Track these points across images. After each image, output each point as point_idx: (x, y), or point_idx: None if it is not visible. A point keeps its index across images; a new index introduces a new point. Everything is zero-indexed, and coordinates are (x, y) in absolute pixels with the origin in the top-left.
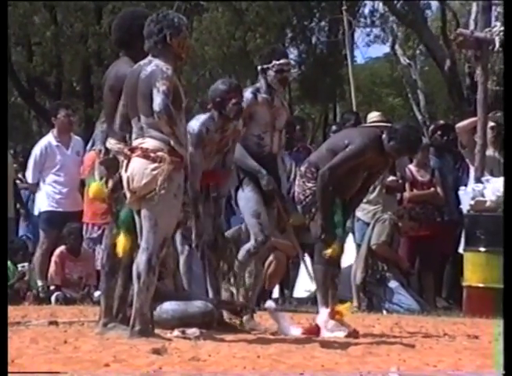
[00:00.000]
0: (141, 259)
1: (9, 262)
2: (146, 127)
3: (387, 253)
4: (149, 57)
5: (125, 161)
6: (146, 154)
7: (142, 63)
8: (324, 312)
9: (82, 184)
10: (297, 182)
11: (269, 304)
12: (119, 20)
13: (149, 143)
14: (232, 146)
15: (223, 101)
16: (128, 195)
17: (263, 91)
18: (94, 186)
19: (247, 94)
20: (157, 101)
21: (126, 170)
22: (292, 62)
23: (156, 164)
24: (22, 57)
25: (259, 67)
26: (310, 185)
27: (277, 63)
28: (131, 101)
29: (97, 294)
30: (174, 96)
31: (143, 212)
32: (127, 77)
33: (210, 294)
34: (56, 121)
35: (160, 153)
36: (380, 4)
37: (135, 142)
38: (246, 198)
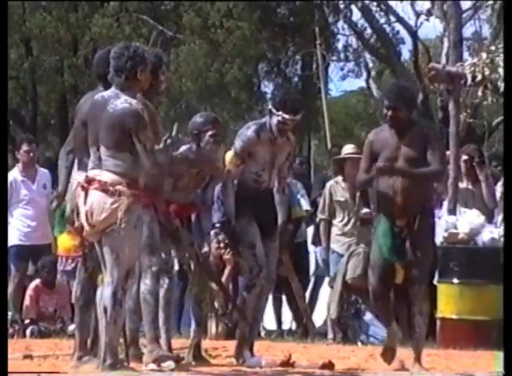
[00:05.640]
0: (106, 293)
1: None
2: (104, 158)
3: (364, 286)
4: (114, 90)
5: (82, 193)
6: (104, 188)
7: (106, 95)
8: None
9: None
10: None
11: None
12: (105, 54)
13: (107, 176)
14: (212, 183)
15: (200, 133)
16: (87, 228)
17: (267, 129)
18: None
19: (250, 133)
20: (148, 162)
21: (85, 203)
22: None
23: (115, 198)
24: None
25: (269, 106)
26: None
27: (284, 116)
28: (91, 130)
29: (71, 327)
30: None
31: (105, 246)
32: (88, 107)
33: (193, 325)
34: (19, 155)
35: (118, 187)
36: (354, 39)
37: (91, 173)
38: (242, 230)
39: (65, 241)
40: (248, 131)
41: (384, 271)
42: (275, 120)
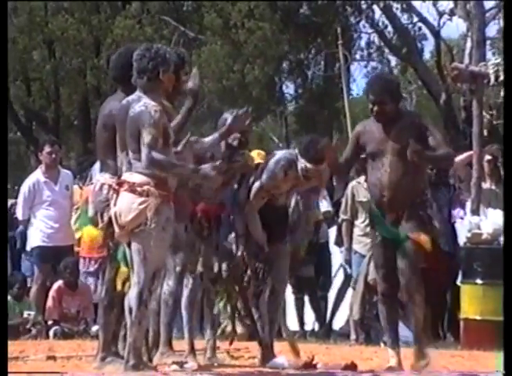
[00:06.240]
0: (132, 293)
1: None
2: (133, 162)
3: None
4: (138, 93)
5: (114, 196)
6: (133, 189)
7: (130, 99)
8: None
9: None
10: None
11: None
12: (118, 57)
13: (136, 178)
14: (244, 182)
15: (228, 130)
16: (117, 229)
17: (295, 168)
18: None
19: (278, 171)
20: (143, 157)
21: (114, 205)
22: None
23: (143, 199)
24: (21, 92)
25: (296, 149)
26: None
27: (306, 164)
28: (120, 135)
29: (94, 328)
30: (162, 136)
31: (133, 246)
32: (117, 111)
33: (208, 328)
34: (42, 157)
35: (146, 187)
36: (376, 37)
37: (123, 176)
38: (252, 242)
39: (90, 232)
40: (277, 167)
41: (387, 269)
42: (299, 165)
